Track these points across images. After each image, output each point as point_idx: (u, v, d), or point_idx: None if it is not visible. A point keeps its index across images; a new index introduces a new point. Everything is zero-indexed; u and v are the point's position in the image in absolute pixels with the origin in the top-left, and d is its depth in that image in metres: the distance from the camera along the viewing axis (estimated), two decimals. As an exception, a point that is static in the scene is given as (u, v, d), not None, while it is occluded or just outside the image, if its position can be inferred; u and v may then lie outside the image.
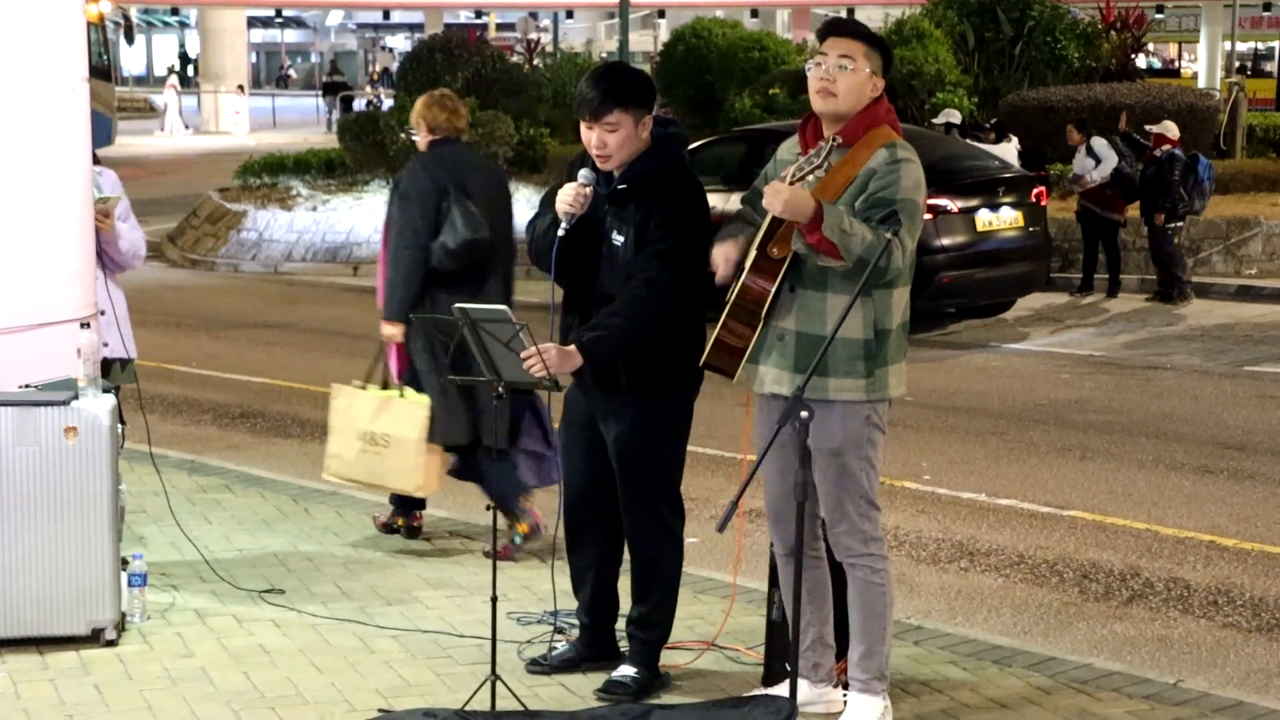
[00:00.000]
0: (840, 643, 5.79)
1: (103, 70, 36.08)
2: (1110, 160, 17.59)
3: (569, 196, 5.75)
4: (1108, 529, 8.91)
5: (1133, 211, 18.03)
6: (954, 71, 24.32)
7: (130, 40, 43.18)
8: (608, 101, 5.70)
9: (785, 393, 5.37)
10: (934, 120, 20.76)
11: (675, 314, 5.75)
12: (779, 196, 5.21)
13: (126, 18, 40.82)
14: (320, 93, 56.99)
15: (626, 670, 6.01)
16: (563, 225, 5.74)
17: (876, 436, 5.51)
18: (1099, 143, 17.70)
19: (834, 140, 5.28)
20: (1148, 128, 18.32)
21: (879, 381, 5.42)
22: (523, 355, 5.53)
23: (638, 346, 5.75)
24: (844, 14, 53.60)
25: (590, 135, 5.75)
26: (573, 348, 5.64)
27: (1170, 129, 17.47)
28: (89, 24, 34.49)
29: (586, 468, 6.03)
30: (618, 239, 5.79)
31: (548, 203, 5.91)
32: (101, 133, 36.11)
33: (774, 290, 5.38)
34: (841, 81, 5.39)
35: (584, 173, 5.80)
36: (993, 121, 20.09)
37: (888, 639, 5.63)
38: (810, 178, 5.25)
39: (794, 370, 5.39)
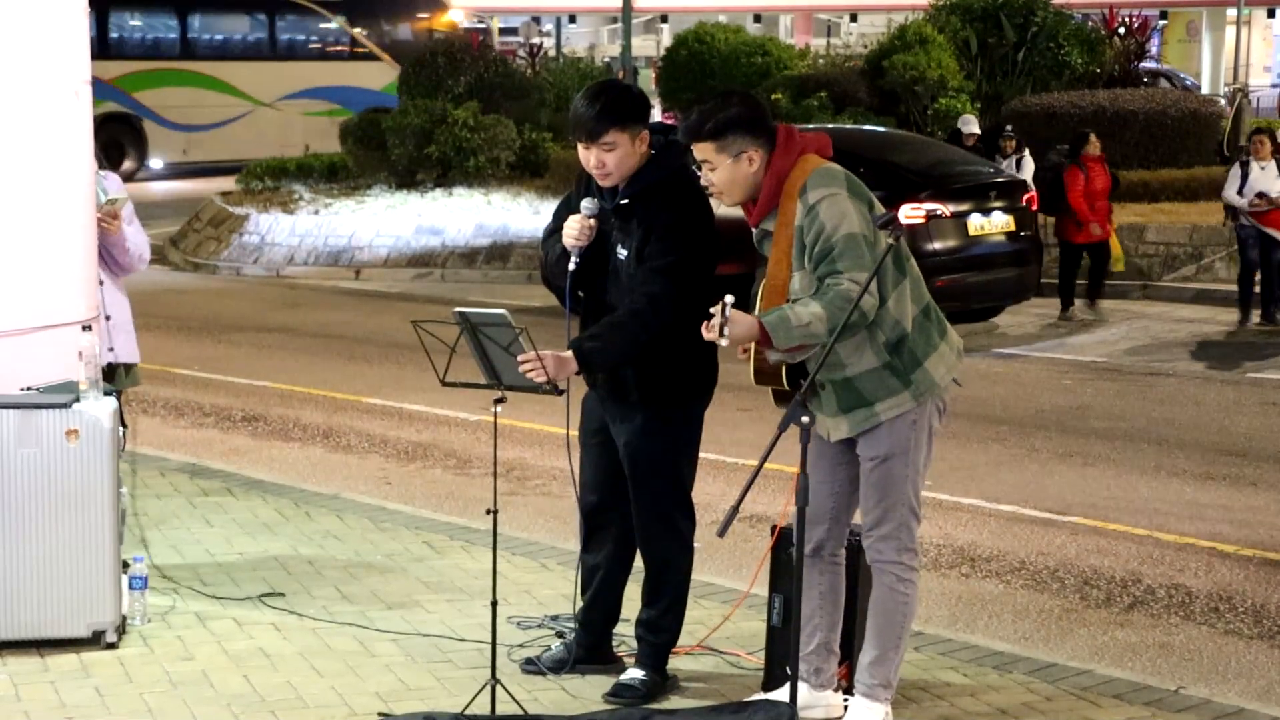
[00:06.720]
0: (845, 648, 5.79)
1: None
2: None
3: (574, 231, 5.76)
4: (1109, 535, 8.90)
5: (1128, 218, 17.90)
6: (957, 77, 24.31)
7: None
8: (603, 122, 5.70)
9: (846, 434, 5.51)
10: (958, 126, 20.67)
11: (680, 326, 5.69)
12: (725, 341, 5.21)
13: (485, 28, 40.23)
14: None
15: (635, 674, 6.01)
16: (572, 260, 5.78)
17: (924, 441, 5.54)
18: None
19: (724, 302, 5.14)
20: None
21: (920, 384, 5.48)
22: (520, 360, 5.55)
23: (646, 359, 5.76)
24: (845, 20, 53.60)
25: (589, 155, 5.76)
26: (569, 353, 5.64)
27: None
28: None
29: (603, 472, 6.05)
30: (622, 253, 5.80)
31: (561, 215, 5.94)
32: None
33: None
34: (718, 182, 5.49)
35: (587, 203, 5.80)
36: (1008, 128, 19.85)
37: (901, 649, 5.62)
38: (724, 332, 5.15)
39: (841, 411, 5.50)
